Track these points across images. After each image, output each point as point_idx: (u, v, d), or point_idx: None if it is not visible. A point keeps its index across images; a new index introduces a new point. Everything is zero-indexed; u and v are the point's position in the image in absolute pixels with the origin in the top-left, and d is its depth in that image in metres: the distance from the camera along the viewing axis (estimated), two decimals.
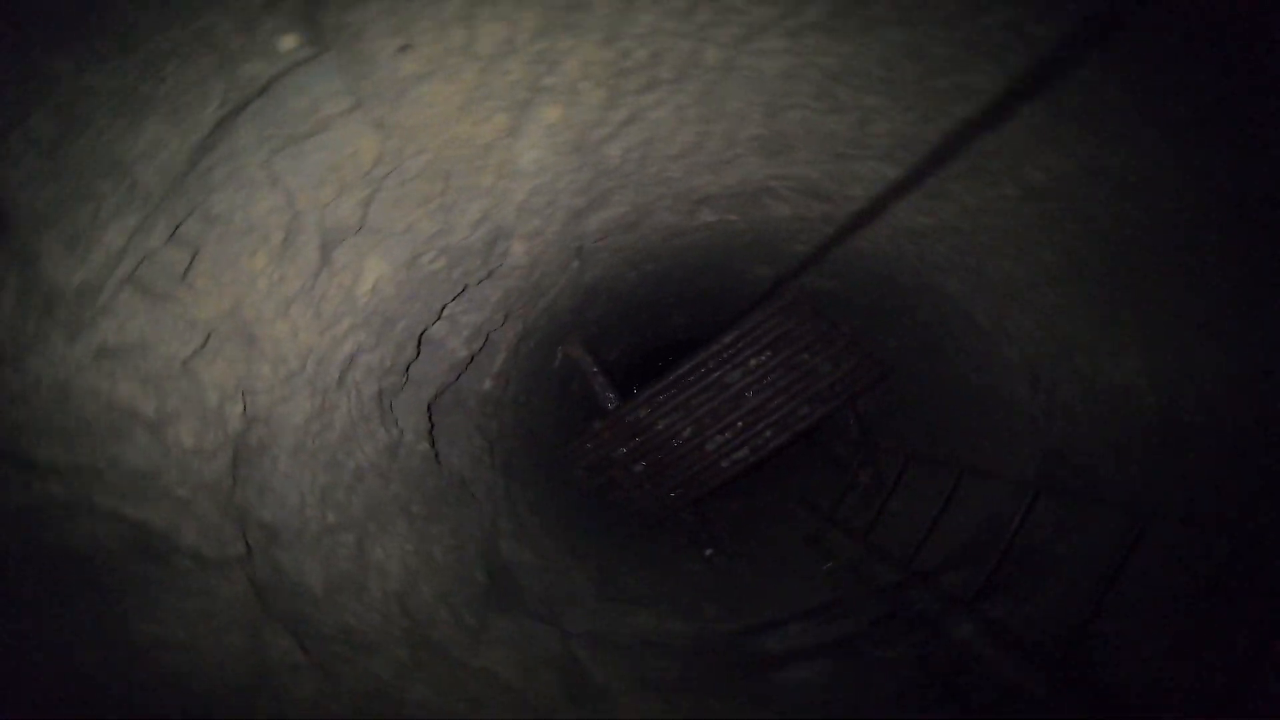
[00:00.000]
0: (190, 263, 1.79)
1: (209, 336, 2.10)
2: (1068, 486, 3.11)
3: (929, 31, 2.16)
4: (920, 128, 2.70)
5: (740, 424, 5.06)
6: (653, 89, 2.47)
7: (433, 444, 3.75)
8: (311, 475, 2.76)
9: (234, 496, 2.40)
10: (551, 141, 2.45)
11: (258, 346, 2.27)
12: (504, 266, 2.95)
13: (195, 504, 2.25)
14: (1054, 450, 3.57)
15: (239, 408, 2.37)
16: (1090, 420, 3.29)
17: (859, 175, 3.20)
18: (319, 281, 2.23)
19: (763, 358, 5.02)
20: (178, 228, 1.67)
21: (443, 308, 2.91)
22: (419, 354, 3.06)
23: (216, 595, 2.22)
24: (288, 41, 1.44)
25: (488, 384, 3.77)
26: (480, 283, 2.94)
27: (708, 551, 5.12)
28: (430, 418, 3.58)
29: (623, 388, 5.57)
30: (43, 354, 1.71)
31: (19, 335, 1.62)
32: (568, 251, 3.23)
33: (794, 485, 6.14)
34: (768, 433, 5.03)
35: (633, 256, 3.79)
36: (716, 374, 5.08)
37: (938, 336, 4.51)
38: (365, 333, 2.63)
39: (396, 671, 2.52)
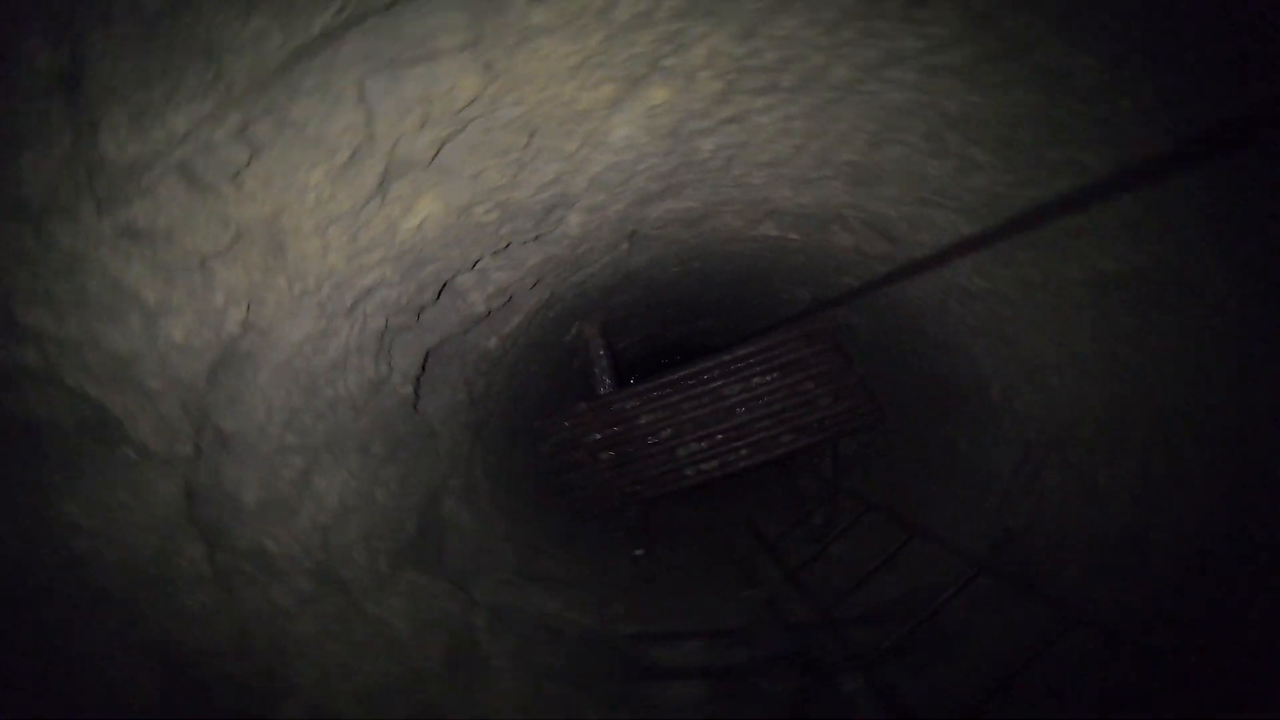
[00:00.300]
0: (248, 162, 1.72)
1: (238, 238, 2.04)
2: (1011, 570, 3.19)
3: (1064, 101, 2.19)
4: (1015, 191, 2.72)
5: (720, 436, 5.13)
6: (768, 93, 2.43)
7: (416, 390, 3.71)
8: (286, 394, 2.74)
9: (203, 398, 2.39)
10: (648, 123, 2.39)
11: (283, 258, 2.21)
12: (554, 234, 2.90)
13: (161, 398, 2.25)
14: (1012, 531, 3.67)
15: (241, 313, 2.32)
16: (1061, 516, 3.37)
17: (934, 223, 3.20)
18: (367, 209, 2.17)
19: (768, 378, 5.08)
20: (248, 126, 1.61)
21: (478, 260, 2.85)
22: (438, 300, 3.00)
23: (148, 491, 2.27)
24: None
25: (493, 342, 3.72)
26: (525, 244, 2.89)
27: (638, 552, 5.18)
28: (424, 364, 3.53)
29: (622, 376, 5.55)
30: (68, 221, 1.65)
31: (51, 197, 1.56)
32: (621, 233, 3.18)
33: (747, 507, 6.22)
34: (743, 451, 5.10)
35: (683, 252, 3.74)
36: (717, 384, 5.13)
37: (944, 395, 4.57)
38: (393, 268, 2.57)
39: (294, 602, 2.59)
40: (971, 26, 2.07)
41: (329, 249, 2.28)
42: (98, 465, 2.22)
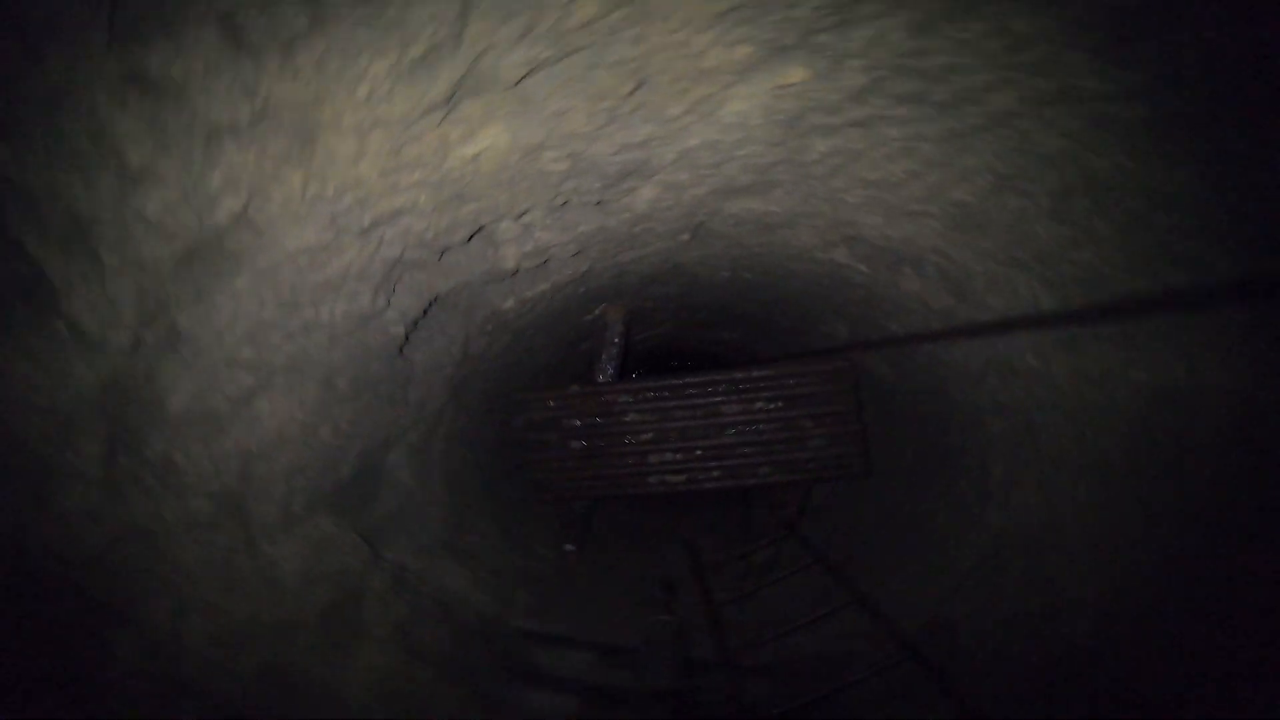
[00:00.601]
0: (306, 32, 1.46)
1: (261, 117, 1.77)
2: (938, 662, 3.08)
3: (1233, 192, 2.03)
4: (1120, 274, 2.55)
5: (699, 452, 5.02)
6: (912, 103, 2.19)
7: (408, 333, 3.47)
8: (260, 305, 2.50)
9: (164, 287, 2.16)
10: (770, 103, 2.14)
11: (308, 153, 1.94)
12: (618, 204, 2.64)
13: (114, 276, 2.03)
14: (953, 622, 3.57)
15: (238, 204, 2.07)
16: (1011, 621, 3.27)
17: (1015, 288, 3.00)
18: (423, 122, 1.90)
19: (771, 405, 4.93)
20: None
21: (526, 212, 2.58)
22: (467, 243, 2.74)
23: (63, 373, 2.08)
24: None
25: (509, 303, 3.46)
26: (583, 206, 2.62)
27: (568, 547, 5.06)
28: (427, 309, 3.27)
29: (625, 369, 5.37)
30: (69, 45, 1.38)
31: (58, 12, 1.27)
32: (688, 222, 2.93)
33: (694, 526, 6.10)
34: (716, 472, 5.00)
35: (742, 258, 3.50)
36: (719, 399, 4.98)
37: (941, 465, 4.45)
38: (430, 197, 2.30)
39: (184, 524, 2.45)
40: (1172, 83, 1.87)
41: (363, 156, 2.01)
42: (17, 329, 2.01)
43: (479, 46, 1.65)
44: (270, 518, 2.84)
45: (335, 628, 2.89)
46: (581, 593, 4.54)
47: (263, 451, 2.81)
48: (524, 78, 1.83)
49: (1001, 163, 2.48)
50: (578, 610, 4.23)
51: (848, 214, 3.02)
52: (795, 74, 2.01)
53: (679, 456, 5.00)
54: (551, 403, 5.06)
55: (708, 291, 4.27)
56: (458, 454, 4.70)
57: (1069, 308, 2.81)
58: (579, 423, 5.03)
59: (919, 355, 4.35)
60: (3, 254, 1.88)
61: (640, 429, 5.03)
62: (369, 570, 3.29)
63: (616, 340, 4.90)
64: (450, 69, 1.72)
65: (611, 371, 5.20)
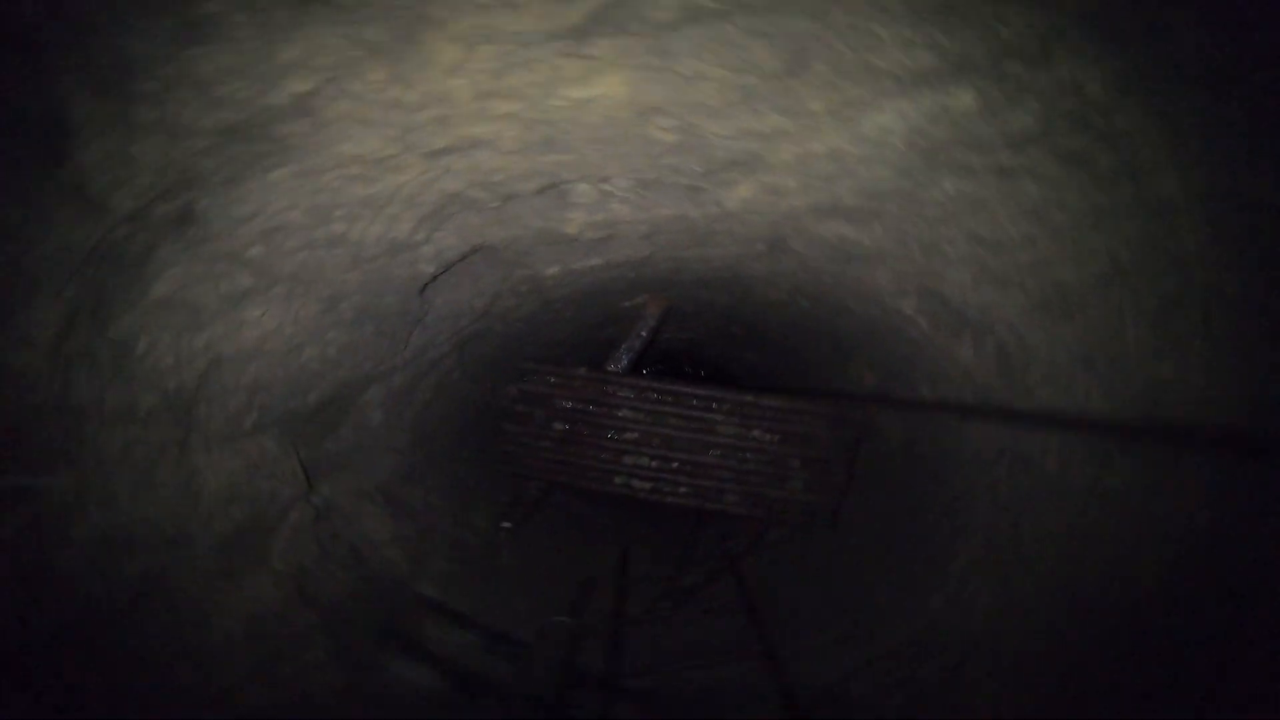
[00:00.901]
0: None
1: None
2: None
3: None
4: (1191, 401, 2.29)
5: (676, 465, 4.91)
6: (1068, 163, 1.95)
7: (436, 275, 3.21)
8: (289, 205, 2.26)
9: (194, 161, 1.90)
10: (920, 126, 1.89)
11: (400, 51, 1.68)
12: (709, 195, 2.37)
13: (144, 137, 1.76)
14: (849, 698, 3.34)
15: (304, 88, 1.81)
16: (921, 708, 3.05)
17: (1071, 386, 2.76)
18: (542, 47, 1.64)
19: (767, 437, 4.79)
20: None
21: (610, 178, 2.31)
22: (537, 195, 2.46)
23: (49, 228, 1.80)
24: None
25: (553, 270, 3.19)
26: (673, 187, 2.35)
27: (505, 524, 4.86)
28: (466, 255, 2.99)
29: (639, 363, 5.14)
30: None
31: None
32: (771, 232, 2.67)
33: (639, 536, 5.87)
34: (684, 489, 4.91)
35: (808, 283, 3.25)
36: (719, 418, 4.84)
37: (909, 539, 4.21)
38: (517, 134, 2.03)
39: (121, 413, 2.21)
40: None
41: (461, 70, 1.73)
42: (16, 166, 1.71)
43: None
44: (215, 428, 2.63)
45: (235, 553, 2.69)
46: (500, 574, 4.35)
47: (234, 358, 2.60)
48: (672, 27, 1.55)
49: (1127, 251, 2.23)
50: (488, 591, 4.05)
51: (938, 265, 2.77)
52: (965, 99, 1.75)
53: (654, 464, 4.91)
54: (553, 379, 4.94)
55: (756, 308, 4.01)
56: (439, 407, 4.50)
57: (1118, 419, 2.60)
58: (570, 405, 4.91)
59: (939, 426, 4.14)
60: (33, 81, 1.60)
61: (628, 427, 4.91)
62: (295, 503, 3.11)
63: (644, 334, 4.68)
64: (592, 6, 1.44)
65: (625, 363, 5.00)
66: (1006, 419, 3.37)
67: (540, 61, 1.68)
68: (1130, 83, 1.63)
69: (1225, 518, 2.14)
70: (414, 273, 3.07)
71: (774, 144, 2.04)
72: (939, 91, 1.74)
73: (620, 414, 4.90)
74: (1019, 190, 2.13)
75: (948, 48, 1.58)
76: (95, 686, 2.05)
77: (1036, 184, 2.08)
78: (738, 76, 1.72)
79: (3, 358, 1.82)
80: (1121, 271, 2.30)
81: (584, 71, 1.72)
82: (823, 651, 3.56)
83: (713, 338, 5.34)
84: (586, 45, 1.62)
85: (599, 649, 3.54)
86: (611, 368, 4.97)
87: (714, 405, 4.81)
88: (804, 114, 1.87)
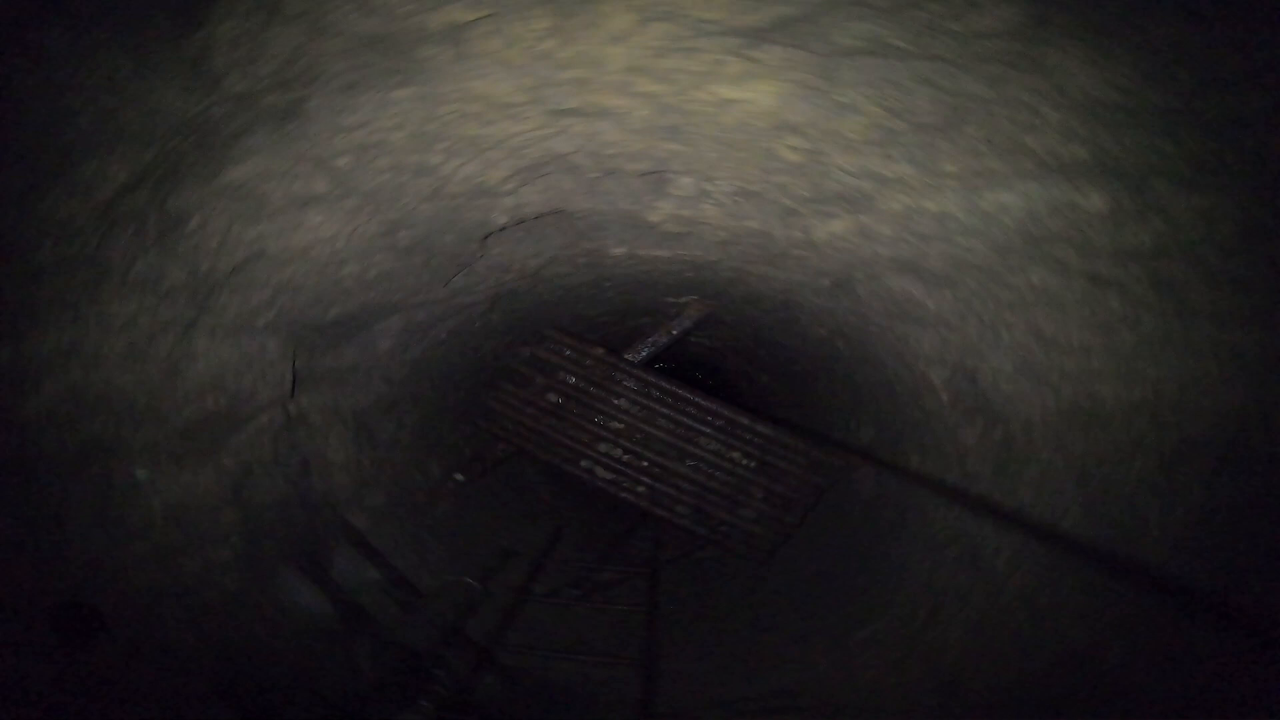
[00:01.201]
0: None
1: None
2: None
3: None
4: (1183, 552, 2.24)
5: (645, 464, 4.79)
6: (1159, 287, 1.87)
7: (505, 228, 3.10)
8: (396, 127, 2.15)
9: (324, 62, 1.80)
10: (1037, 214, 1.83)
11: (571, 5, 1.55)
12: (804, 222, 2.29)
13: (280, 24, 1.65)
14: None
15: (463, 17, 1.71)
16: None
17: (1061, 499, 2.69)
18: (712, 39, 1.56)
19: (743, 461, 4.67)
20: None
21: (716, 179, 2.22)
22: (634, 178, 2.37)
23: (152, 96, 1.69)
24: None
25: (619, 252, 3.11)
26: (773, 204, 2.27)
27: (457, 476, 4.78)
28: (542, 216, 2.89)
29: (655, 359, 5.05)
30: None
31: None
32: (842, 273, 2.61)
33: (578, 519, 5.76)
34: (641, 489, 4.78)
35: (856, 327, 3.18)
36: (708, 431, 4.72)
37: (834, 597, 4.08)
38: (647, 114, 1.96)
39: (142, 279, 2.07)
40: None
41: (621, 40, 1.65)
42: (144, 34, 1.60)
43: None
44: (228, 317, 2.51)
45: (193, 440, 2.53)
46: (433, 523, 4.22)
47: (276, 256, 2.48)
48: (848, 54, 1.47)
49: (1174, 388, 2.15)
50: (414, 536, 3.93)
51: (985, 346, 2.70)
52: (1096, 201, 1.68)
53: (624, 458, 4.80)
54: (568, 351, 4.83)
55: (791, 336, 3.94)
56: (447, 351, 4.37)
57: (1089, 544, 2.51)
58: (573, 380, 4.80)
59: (906, 492, 4.04)
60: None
61: (617, 416, 4.81)
62: (271, 406, 2.98)
63: (674, 333, 4.59)
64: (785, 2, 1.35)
65: (644, 355, 4.92)
66: (980, 510, 3.24)
67: (704, 52, 1.59)
68: (1259, 230, 1.56)
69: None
70: (485, 219, 2.97)
71: (889, 190, 1.97)
72: (1075, 187, 1.67)
73: (616, 401, 4.79)
74: (1102, 300, 2.07)
75: (1106, 149, 1.51)
76: (5, 528, 1.94)
77: (1121, 300, 2.02)
78: (888, 118, 1.65)
79: (53, 201, 1.71)
80: (1157, 404, 2.22)
81: (742, 72, 1.63)
82: (702, 678, 3.45)
83: (736, 353, 5.25)
84: (757, 49, 1.54)
85: (492, 617, 3.43)
86: (629, 356, 4.88)
87: (708, 418, 4.71)
88: (933, 171, 1.80)
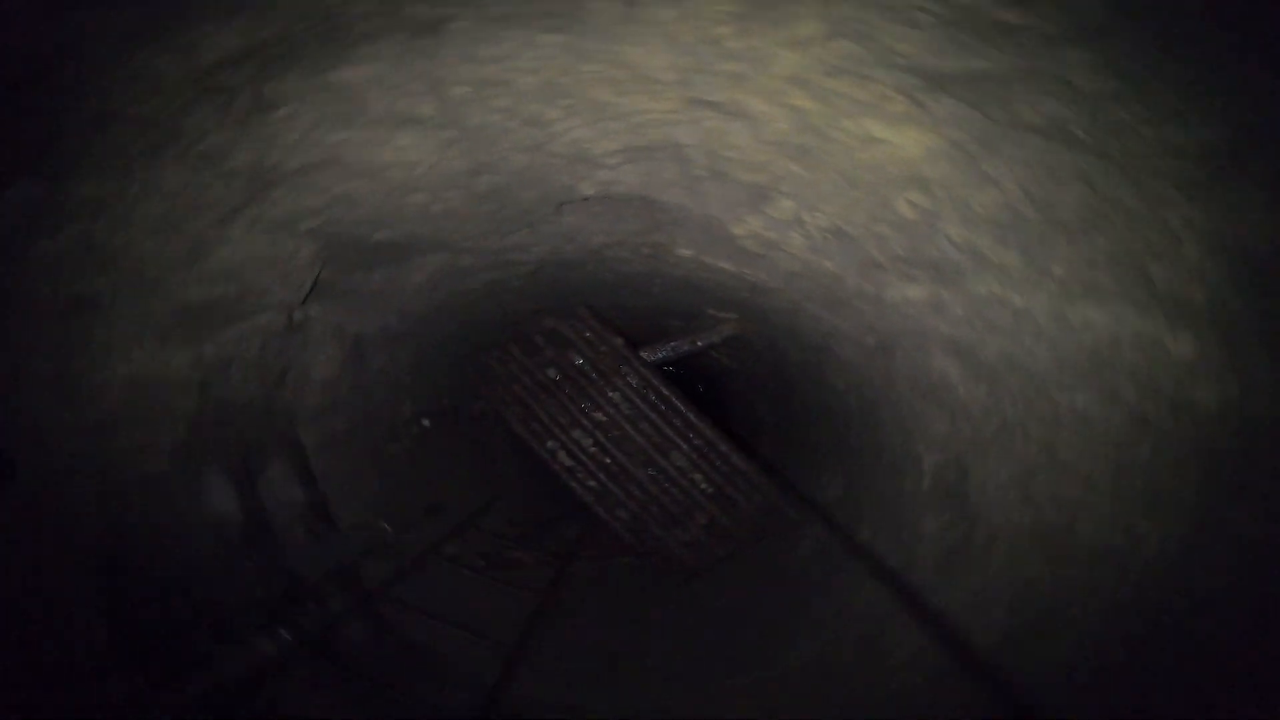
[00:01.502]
0: None
1: None
2: None
3: None
4: None
5: (608, 461, 4.68)
6: (1204, 419, 1.79)
7: (586, 199, 2.98)
8: (539, 66, 1.98)
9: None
10: (1111, 336, 1.73)
11: (744, 29, 1.46)
12: (879, 277, 2.21)
13: None
14: None
15: None
16: None
17: (977, 612, 2.60)
18: (882, 78, 1.44)
19: (703, 486, 4.56)
20: None
21: (818, 210, 2.12)
22: (735, 189, 2.27)
23: None
24: None
25: (685, 253, 3.01)
26: (855, 251, 2.18)
27: (425, 421, 4.59)
28: (629, 199, 2.78)
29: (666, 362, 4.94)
30: None
31: None
32: (889, 341, 2.53)
33: (521, 492, 5.53)
34: (592, 483, 4.67)
35: (873, 390, 3.09)
36: (684, 447, 4.59)
37: (723, 633, 3.91)
38: (783, 128, 1.85)
39: (201, 161, 1.90)
40: None
41: (799, 45, 1.54)
42: None
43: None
44: (274, 213, 2.30)
45: (182, 322, 2.32)
46: (382, 462, 4.01)
47: (348, 165, 2.27)
48: (1018, 128, 1.38)
49: (1160, 553, 2.03)
50: (355, 468, 3.70)
51: (995, 448, 2.61)
52: (1183, 347, 1.59)
53: (592, 450, 4.64)
54: (589, 333, 4.67)
55: (811, 382, 3.85)
56: (479, 300, 4.12)
57: (998, 677, 2.33)
58: (580, 362, 4.64)
59: (841, 557, 3.77)
60: None
61: (604, 408, 4.66)
62: (280, 307, 2.77)
63: (700, 344, 4.50)
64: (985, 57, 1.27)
65: (660, 356, 4.80)
66: (906, 602, 3.04)
67: (876, 83, 1.50)
68: None
69: None
70: (572, 186, 2.85)
71: (984, 273, 1.89)
72: (1170, 326, 1.59)
73: (610, 394, 4.65)
74: (1133, 445, 1.97)
75: (1227, 303, 1.43)
76: None
77: (1153, 452, 1.91)
78: (1024, 202, 1.56)
79: (148, 56, 1.55)
80: (1129, 565, 2.09)
81: (902, 114, 1.55)
82: (567, 680, 3.25)
83: (748, 378, 5.15)
84: (930, 95, 1.45)
85: (390, 567, 3.26)
86: (644, 353, 4.75)
87: (689, 434, 4.56)
88: (1040, 267, 1.72)
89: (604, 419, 4.63)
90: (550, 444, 4.65)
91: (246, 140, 1.91)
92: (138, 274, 2.02)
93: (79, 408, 2.01)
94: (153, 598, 2.21)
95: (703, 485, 4.51)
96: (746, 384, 5.43)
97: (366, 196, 2.51)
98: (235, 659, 2.23)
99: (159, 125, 1.70)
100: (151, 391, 2.26)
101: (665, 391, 4.57)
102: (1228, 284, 1.42)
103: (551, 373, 4.63)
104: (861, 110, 1.60)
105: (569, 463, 4.65)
